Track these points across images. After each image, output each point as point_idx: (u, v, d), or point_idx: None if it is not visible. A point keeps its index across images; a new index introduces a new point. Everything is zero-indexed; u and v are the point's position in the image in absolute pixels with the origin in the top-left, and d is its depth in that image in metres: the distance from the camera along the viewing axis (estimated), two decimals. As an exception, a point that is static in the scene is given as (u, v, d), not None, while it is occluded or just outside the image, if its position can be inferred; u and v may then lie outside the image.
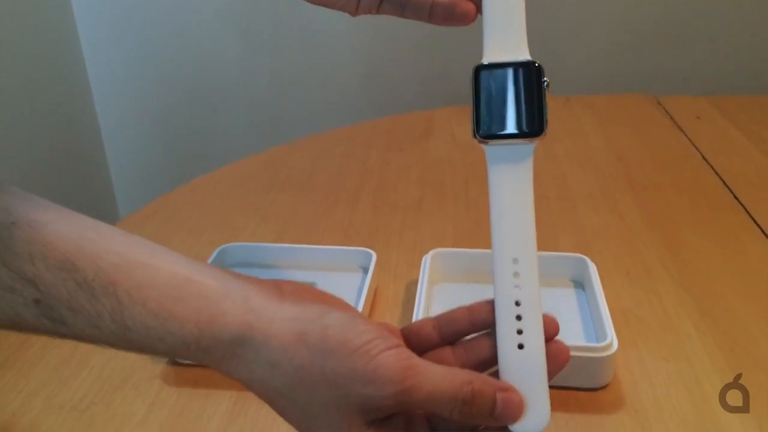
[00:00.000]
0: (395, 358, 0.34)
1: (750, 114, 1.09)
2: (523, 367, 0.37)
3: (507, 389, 0.36)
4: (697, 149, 0.97)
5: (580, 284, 0.64)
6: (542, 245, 0.73)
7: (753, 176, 0.89)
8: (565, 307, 0.61)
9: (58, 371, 0.57)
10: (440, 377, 0.35)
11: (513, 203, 0.39)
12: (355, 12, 0.46)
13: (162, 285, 0.35)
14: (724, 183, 0.87)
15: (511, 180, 0.39)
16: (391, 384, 0.34)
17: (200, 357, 0.36)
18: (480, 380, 0.35)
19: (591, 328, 0.59)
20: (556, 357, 0.37)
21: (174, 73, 1.44)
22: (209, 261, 0.65)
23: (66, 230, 0.36)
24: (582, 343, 0.56)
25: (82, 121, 1.47)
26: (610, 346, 0.53)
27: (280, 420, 0.37)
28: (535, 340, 0.37)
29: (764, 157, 0.94)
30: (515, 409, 0.36)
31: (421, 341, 0.39)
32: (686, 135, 1.02)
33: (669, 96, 1.17)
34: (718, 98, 1.15)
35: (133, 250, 0.36)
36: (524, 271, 0.38)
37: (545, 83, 0.39)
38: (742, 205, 0.81)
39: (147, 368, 0.57)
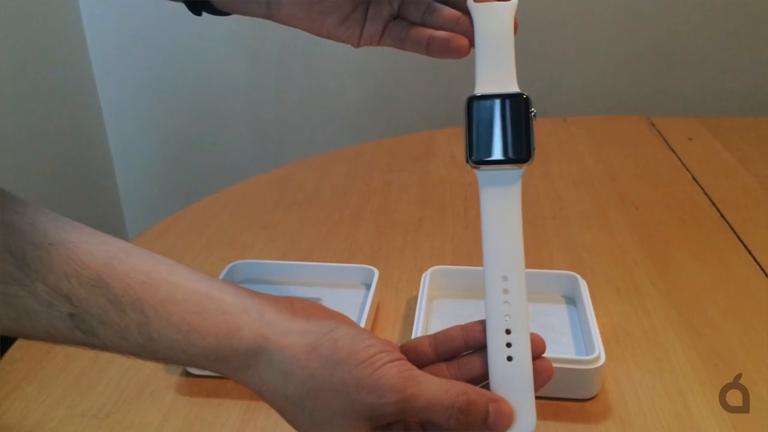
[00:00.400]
0: (397, 370, 0.38)
1: (740, 135, 1.11)
2: (511, 378, 0.40)
3: (498, 400, 0.39)
4: (687, 170, 1.00)
5: (572, 300, 0.67)
6: (537, 262, 0.77)
7: (740, 196, 0.91)
8: (556, 321, 0.65)
9: (79, 382, 0.60)
10: (438, 387, 0.38)
11: (503, 224, 0.42)
12: (357, 44, 0.49)
13: (184, 301, 0.39)
14: (713, 203, 0.90)
15: (501, 203, 0.42)
16: (393, 392, 0.37)
17: (218, 367, 0.39)
18: (474, 391, 0.39)
19: (581, 341, 0.62)
20: (542, 373, 0.40)
21: (182, 94, 1.47)
22: (220, 277, 0.68)
23: (97, 251, 0.39)
24: (572, 356, 0.59)
25: (92, 140, 1.50)
26: (598, 359, 0.55)
27: (287, 428, 0.40)
28: (523, 353, 0.40)
29: (752, 178, 0.97)
30: (506, 419, 0.39)
31: (418, 357, 0.42)
32: (677, 155, 1.05)
33: (662, 117, 1.19)
34: (709, 120, 1.18)
35: (158, 268, 0.40)
36: (513, 288, 0.41)
37: (532, 113, 0.42)
38: (729, 224, 0.84)
39: (162, 379, 0.60)
